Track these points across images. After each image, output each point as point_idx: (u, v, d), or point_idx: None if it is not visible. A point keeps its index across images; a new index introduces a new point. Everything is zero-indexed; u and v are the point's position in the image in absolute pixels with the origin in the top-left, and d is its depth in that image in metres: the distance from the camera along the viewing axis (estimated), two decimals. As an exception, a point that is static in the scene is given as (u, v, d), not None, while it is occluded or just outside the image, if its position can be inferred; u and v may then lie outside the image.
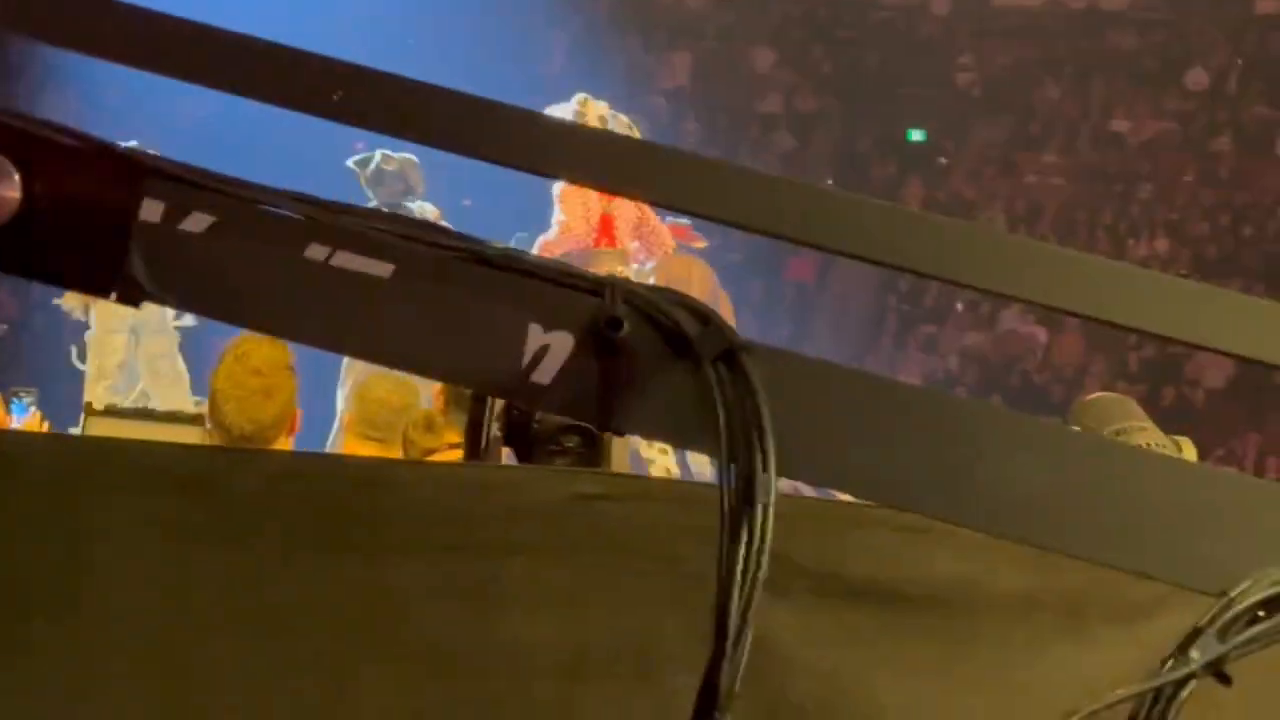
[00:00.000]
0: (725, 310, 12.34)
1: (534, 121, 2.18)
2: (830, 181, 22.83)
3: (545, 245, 10.44)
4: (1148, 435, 4.03)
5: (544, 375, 1.92)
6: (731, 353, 1.91)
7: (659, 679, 2.79)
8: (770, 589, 2.63)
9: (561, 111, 10.45)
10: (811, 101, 23.78)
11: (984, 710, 2.95)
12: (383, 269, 1.91)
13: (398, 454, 5.55)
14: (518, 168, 2.18)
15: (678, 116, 23.04)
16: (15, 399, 7.38)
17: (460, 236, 1.96)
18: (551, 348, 1.90)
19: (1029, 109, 23.51)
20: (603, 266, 10.25)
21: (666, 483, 3.02)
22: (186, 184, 1.94)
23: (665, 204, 2.49)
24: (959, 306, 20.66)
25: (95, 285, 1.94)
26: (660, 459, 11.65)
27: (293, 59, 2.20)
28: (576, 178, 2.37)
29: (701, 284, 12.29)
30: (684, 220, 12.60)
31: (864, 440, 1.99)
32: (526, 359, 1.91)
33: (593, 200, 10.26)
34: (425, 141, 2.20)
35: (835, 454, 1.98)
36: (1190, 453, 4.08)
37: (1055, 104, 23.50)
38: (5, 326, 10.17)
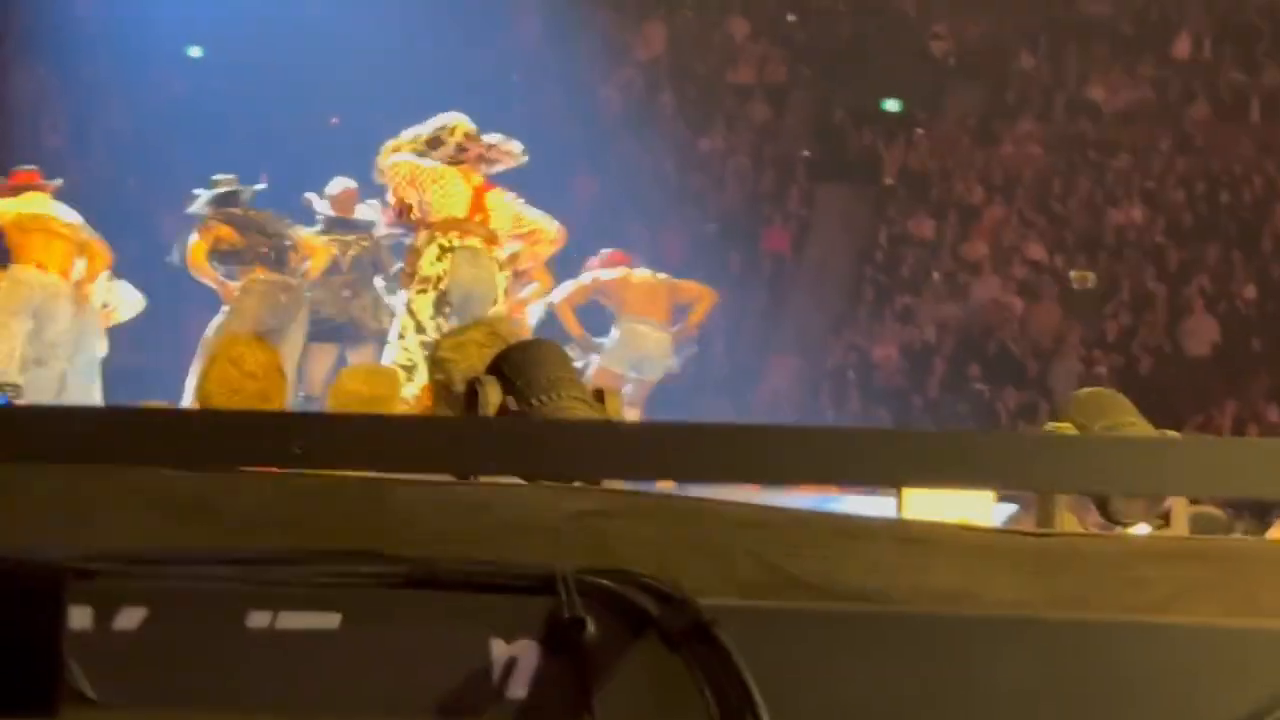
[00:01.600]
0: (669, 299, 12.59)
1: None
2: (806, 154, 22.81)
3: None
4: (1138, 429, 4.04)
5: (517, 688, 1.85)
6: (702, 627, 1.86)
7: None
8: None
9: (423, 131, 10.59)
10: (786, 72, 23.75)
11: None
12: (329, 620, 1.82)
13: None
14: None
15: (653, 89, 23.01)
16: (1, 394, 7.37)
17: (404, 561, 1.87)
18: (519, 660, 1.83)
19: (1004, 78, 23.50)
20: (470, 234, 10.26)
21: (660, 498, 3.02)
22: (111, 578, 1.83)
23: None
24: (936, 276, 20.67)
25: (36, 708, 1.82)
26: None
27: (250, 421, 2.17)
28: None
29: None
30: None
31: (853, 679, 1.96)
32: (496, 675, 1.85)
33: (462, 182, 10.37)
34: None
35: (827, 699, 1.94)
36: (1180, 448, 4.08)
37: (1030, 72, 23.50)
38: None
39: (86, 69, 20.77)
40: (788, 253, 21.74)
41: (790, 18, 24.30)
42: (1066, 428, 4.00)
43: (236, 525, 2.73)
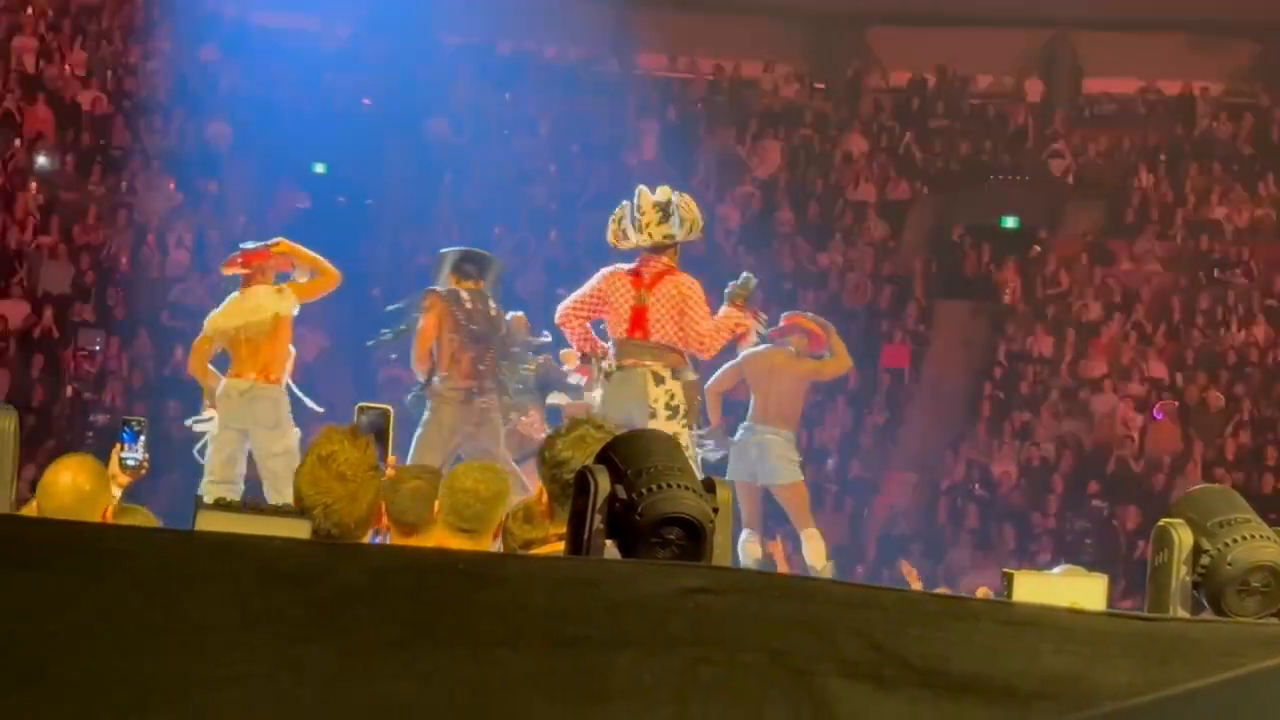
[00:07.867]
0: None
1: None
2: (924, 270, 22.80)
3: (577, 304, 10.47)
4: (1251, 527, 3.98)
5: None
6: None
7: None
8: (879, 684, 2.64)
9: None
10: (904, 189, 23.77)
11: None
12: None
13: (488, 545, 5.50)
14: None
15: (771, 206, 23.09)
16: (127, 428, 7.05)
17: None
18: None
19: (1123, 196, 23.41)
20: (629, 357, 10.29)
21: (767, 576, 3.04)
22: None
23: None
24: (1054, 393, 20.53)
25: None
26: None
27: None
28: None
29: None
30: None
31: None
32: None
33: (628, 290, 10.32)
34: None
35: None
36: (1296, 544, 4.02)
37: (1149, 191, 23.40)
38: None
39: (211, 183, 21.15)
40: (907, 369, 21.67)
41: (907, 135, 24.34)
42: (1179, 524, 3.96)
43: (343, 597, 2.77)
